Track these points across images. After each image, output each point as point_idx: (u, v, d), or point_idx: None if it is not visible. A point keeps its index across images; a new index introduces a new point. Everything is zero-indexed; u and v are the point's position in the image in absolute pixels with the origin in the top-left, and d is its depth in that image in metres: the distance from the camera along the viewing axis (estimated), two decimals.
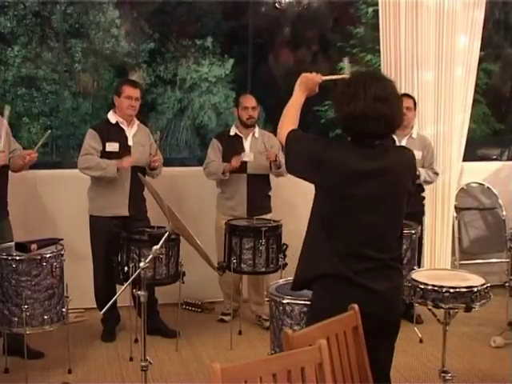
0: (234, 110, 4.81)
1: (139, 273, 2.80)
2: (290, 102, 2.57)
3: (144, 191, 4.30)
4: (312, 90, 2.57)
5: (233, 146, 4.60)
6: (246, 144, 4.66)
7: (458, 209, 5.59)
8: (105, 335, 4.43)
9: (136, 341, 4.19)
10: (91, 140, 4.27)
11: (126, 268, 3.99)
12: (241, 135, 4.67)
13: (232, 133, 4.70)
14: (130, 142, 4.34)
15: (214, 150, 4.67)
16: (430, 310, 3.15)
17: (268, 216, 4.64)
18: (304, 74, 2.56)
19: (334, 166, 2.34)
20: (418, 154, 4.48)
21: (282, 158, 4.35)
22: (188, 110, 14.50)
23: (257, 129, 4.72)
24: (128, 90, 4.30)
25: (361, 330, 2.29)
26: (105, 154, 4.25)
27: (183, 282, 4.14)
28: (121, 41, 13.75)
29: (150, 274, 3.89)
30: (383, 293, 2.38)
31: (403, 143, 4.61)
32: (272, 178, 4.73)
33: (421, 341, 4.39)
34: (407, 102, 4.50)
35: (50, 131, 4.00)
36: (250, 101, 4.66)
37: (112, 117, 4.35)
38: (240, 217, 4.55)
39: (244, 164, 4.56)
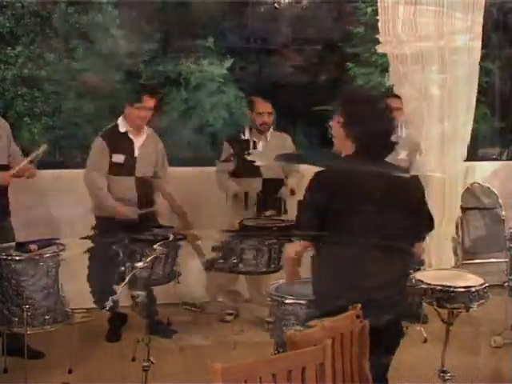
0: (247, 112, 4.73)
1: (136, 272, 2.81)
2: None
3: (154, 193, 4.30)
4: None
5: (244, 150, 4.53)
6: (259, 147, 4.60)
7: (461, 208, 5.58)
8: (110, 335, 4.42)
9: (138, 341, 4.19)
10: (100, 154, 4.24)
11: (124, 268, 3.98)
12: (254, 139, 4.61)
13: (244, 136, 4.64)
14: (136, 154, 4.31)
15: (226, 154, 4.61)
16: (435, 309, 3.16)
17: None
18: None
19: (341, 187, 2.43)
20: (403, 154, 4.50)
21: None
22: (192, 110, 14.48)
23: (269, 131, 4.66)
24: (146, 100, 4.23)
25: (366, 331, 2.30)
26: (111, 165, 4.24)
27: (178, 282, 4.13)
28: (121, 41, 13.74)
29: (146, 274, 3.86)
30: (390, 293, 2.40)
31: None
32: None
33: (425, 340, 4.38)
34: (397, 103, 4.51)
35: (45, 146, 3.98)
36: (265, 106, 4.55)
37: (122, 125, 4.30)
38: (252, 217, 4.49)
39: (257, 168, 4.50)
